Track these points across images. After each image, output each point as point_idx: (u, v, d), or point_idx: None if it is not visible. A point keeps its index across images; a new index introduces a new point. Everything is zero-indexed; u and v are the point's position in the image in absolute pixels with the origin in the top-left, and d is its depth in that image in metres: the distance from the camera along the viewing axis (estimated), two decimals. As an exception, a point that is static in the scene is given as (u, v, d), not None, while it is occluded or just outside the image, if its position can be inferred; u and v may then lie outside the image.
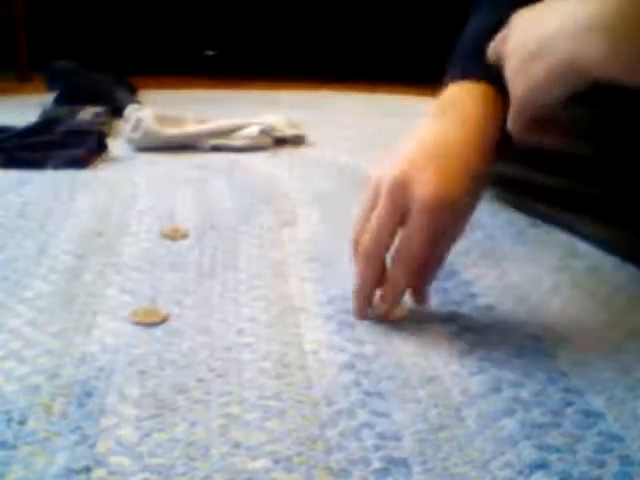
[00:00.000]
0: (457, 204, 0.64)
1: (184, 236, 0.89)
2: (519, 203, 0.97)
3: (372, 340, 0.64)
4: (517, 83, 0.63)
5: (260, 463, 0.48)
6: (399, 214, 0.65)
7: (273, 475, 0.47)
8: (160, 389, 0.56)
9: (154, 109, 1.41)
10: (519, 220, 0.94)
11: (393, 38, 2.31)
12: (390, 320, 0.67)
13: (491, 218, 0.97)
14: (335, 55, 2.35)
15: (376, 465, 0.48)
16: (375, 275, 0.67)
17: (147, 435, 0.50)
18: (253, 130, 1.35)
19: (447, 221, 0.65)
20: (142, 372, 0.58)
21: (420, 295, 0.69)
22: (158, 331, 0.65)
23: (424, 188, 0.63)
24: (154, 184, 1.11)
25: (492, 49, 0.68)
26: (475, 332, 0.66)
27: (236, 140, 1.35)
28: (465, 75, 0.71)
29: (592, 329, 0.67)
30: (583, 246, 0.85)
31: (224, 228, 0.92)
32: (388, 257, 0.67)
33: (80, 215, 0.95)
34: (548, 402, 0.55)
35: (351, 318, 0.68)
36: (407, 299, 0.71)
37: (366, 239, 0.66)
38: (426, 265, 0.67)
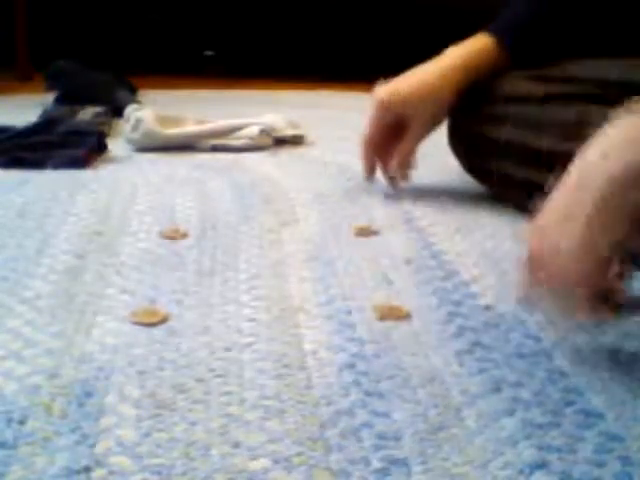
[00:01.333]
0: (397, 105, 1.00)
1: (184, 236, 0.89)
2: (520, 203, 0.97)
3: (372, 340, 0.64)
4: (563, 236, 0.56)
5: (260, 463, 0.48)
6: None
7: (273, 475, 0.47)
8: (160, 389, 0.56)
9: (154, 109, 1.41)
10: (519, 220, 0.94)
11: (393, 38, 2.31)
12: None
13: (491, 218, 0.97)
14: (335, 55, 2.35)
15: (376, 465, 0.48)
16: (370, 155, 1.07)
17: (147, 435, 0.50)
18: (253, 130, 1.35)
19: (392, 115, 1.01)
20: (142, 372, 0.58)
21: (402, 167, 1.05)
22: (158, 331, 0.65)
23: (379, 94, 1.01)
24: (154, 184, 1.11)
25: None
26: (475, 332, 0.66)
27: (236, 140, 1.35)
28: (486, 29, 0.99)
29: (592, 329, 0.67)
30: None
31: (224, 228, 0.92)
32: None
33: (80, 215, 0.95)
34: (548, 402, 0.55)
35: (351, 318, 0.68)
36: (406, 302, 0.71)
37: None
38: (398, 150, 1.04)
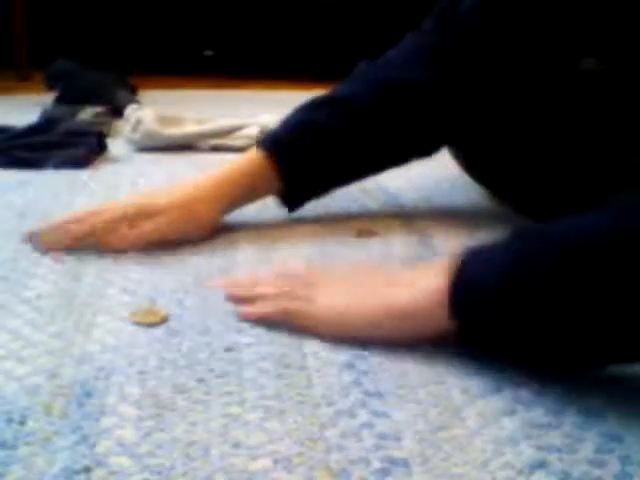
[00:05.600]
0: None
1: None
2: (519, 206, 0.97)
3: (372, 339, 0.64)
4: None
5: (260, 463, 0.48)
6: None
7: (273, 475, 0.47)
8: (160, 389, 0.56)
9: (154, 109, 1.41)
10: (519, 220, 0.94)
11: (392, 38, 2.31)
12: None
13: (491, 218, 0.97)
14: (334, 55, 2.35)
15: (376, 465, 0.48)
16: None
17: (147, 435, 0.50)
18: (253, 130, 1.35)
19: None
20: (142, 372, 0.58)
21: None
22: (158, 331, 0.65)
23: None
24: (154, 184, 1.11)
25: None
26: (475, 332, 0.66)
27: (236, 140, 1.35)
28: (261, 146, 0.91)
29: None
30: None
31: (223, 228, 0.91)
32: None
33: (80, 215, 0.95)
34: (548, 402, 0.55)
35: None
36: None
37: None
38: None
